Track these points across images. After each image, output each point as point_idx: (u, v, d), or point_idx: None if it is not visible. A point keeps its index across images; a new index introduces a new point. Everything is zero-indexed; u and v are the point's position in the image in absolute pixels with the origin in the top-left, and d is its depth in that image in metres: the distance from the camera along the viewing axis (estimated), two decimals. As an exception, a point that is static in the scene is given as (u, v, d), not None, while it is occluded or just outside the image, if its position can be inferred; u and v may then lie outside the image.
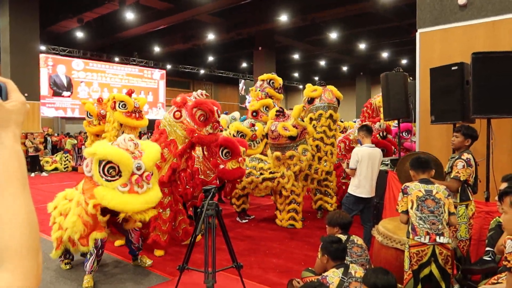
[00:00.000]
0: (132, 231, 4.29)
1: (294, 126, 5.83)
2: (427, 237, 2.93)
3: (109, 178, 3.61)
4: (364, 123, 5.31)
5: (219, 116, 4.95)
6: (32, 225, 0.72)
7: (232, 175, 5.34)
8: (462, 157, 3.62)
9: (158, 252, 4.86)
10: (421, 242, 2.95)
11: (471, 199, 3.67)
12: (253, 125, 7.11)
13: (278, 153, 5.98)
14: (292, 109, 6.29)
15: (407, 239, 3.08)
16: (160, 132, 4.92)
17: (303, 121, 6.04)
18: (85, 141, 13.92)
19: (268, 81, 7.93)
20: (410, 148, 7.27)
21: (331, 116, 6.27)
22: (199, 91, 5.25)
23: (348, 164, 4.83)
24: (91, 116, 6.67)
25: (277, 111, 6.12)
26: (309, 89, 6.43)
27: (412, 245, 3.00)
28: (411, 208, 3.06)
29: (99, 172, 3.62)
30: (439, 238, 2.93)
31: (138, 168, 3.67)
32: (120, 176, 3.62)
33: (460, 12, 4.90)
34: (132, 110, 5.74)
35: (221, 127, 5.30)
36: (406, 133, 7.61)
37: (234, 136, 6.58)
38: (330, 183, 6.56)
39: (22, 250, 0.69)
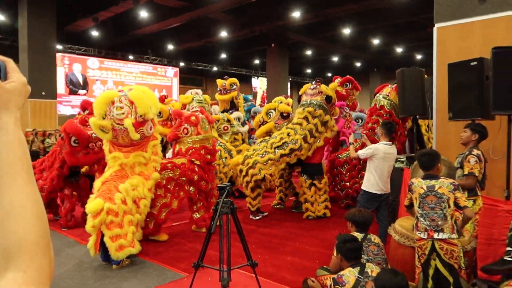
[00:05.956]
0: None
1: None
2: (426, 233, 3.07)
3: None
4: (388, 121, 5.27)
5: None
6: (42, 217, 0.66)
7: None
8: (473, 152, 3.62)
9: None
10: (421, 238, 3.10)
11: (478, 194, 3.67)
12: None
13: None
14: None
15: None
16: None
17: None
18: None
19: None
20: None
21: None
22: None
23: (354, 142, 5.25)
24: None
25: None
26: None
27: (417, 239, 3.16)
28: (416, 205, 3.18)
29: None
30: (438, 234, 3.02)
31: None
32: None
33: (480, 6, 4.76)
34: (167, 118, 5.79)
35: None
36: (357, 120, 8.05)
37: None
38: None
39: (33, 246, 0.63)
